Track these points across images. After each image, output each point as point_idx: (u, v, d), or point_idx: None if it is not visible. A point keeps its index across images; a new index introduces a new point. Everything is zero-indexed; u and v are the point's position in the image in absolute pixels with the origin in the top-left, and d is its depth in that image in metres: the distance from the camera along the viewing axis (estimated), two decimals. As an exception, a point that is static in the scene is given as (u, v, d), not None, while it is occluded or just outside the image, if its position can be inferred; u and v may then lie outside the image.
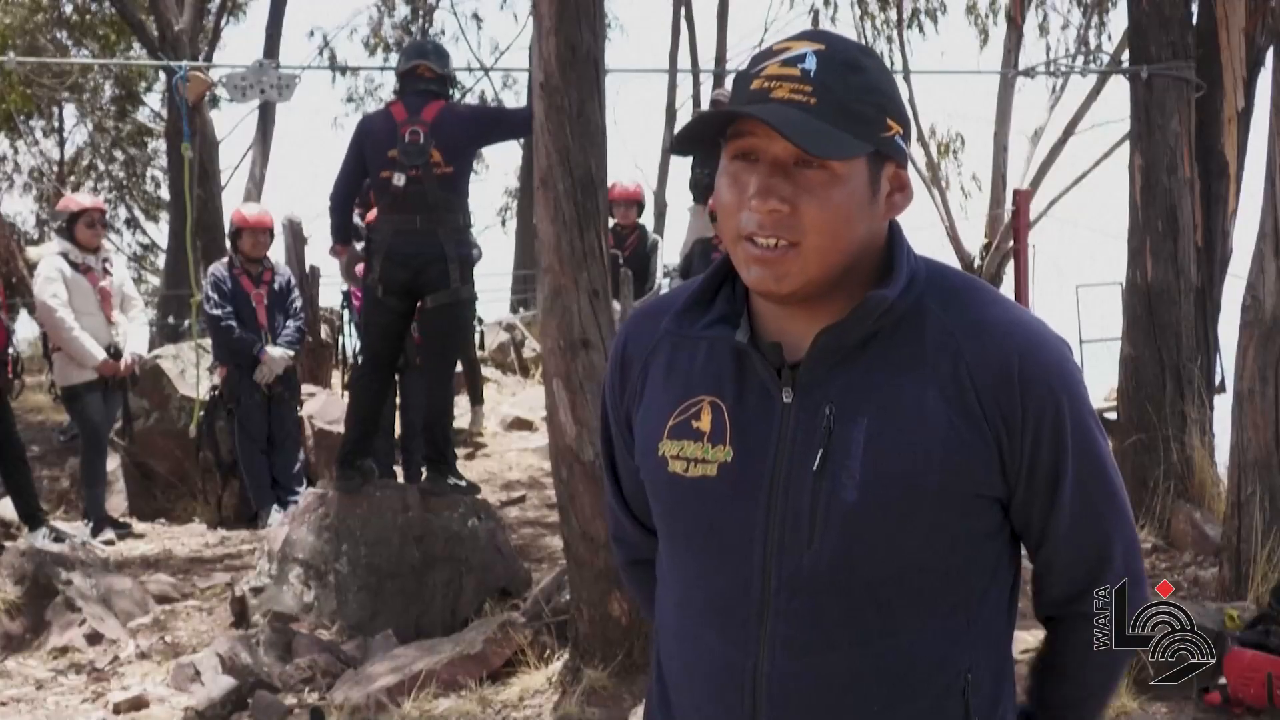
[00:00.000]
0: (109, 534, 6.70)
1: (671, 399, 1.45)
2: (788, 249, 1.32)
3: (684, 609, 1.46)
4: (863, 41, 11.16)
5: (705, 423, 1.42)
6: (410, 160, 5.35)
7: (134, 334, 7.00)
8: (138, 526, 7.11)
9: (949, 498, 1.35)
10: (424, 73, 5.55)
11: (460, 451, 7.42)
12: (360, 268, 6.01)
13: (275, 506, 6.89)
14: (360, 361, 5.79)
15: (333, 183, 5.64)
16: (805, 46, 1.33)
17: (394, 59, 16.97)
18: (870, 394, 1.36)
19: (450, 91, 5.78)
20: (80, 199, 7.27)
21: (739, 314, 1.43)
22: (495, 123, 5.76)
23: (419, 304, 5.57)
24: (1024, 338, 1.36)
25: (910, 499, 1.34)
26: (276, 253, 8.08)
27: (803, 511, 1.36)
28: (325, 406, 8.07)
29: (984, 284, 1.46)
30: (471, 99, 19.68)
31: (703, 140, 1.39)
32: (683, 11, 18.55)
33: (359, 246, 6.13)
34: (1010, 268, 8.64)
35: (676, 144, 1.41)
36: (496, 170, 45.41)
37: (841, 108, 1.31)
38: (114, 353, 6.78)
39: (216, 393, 7.22)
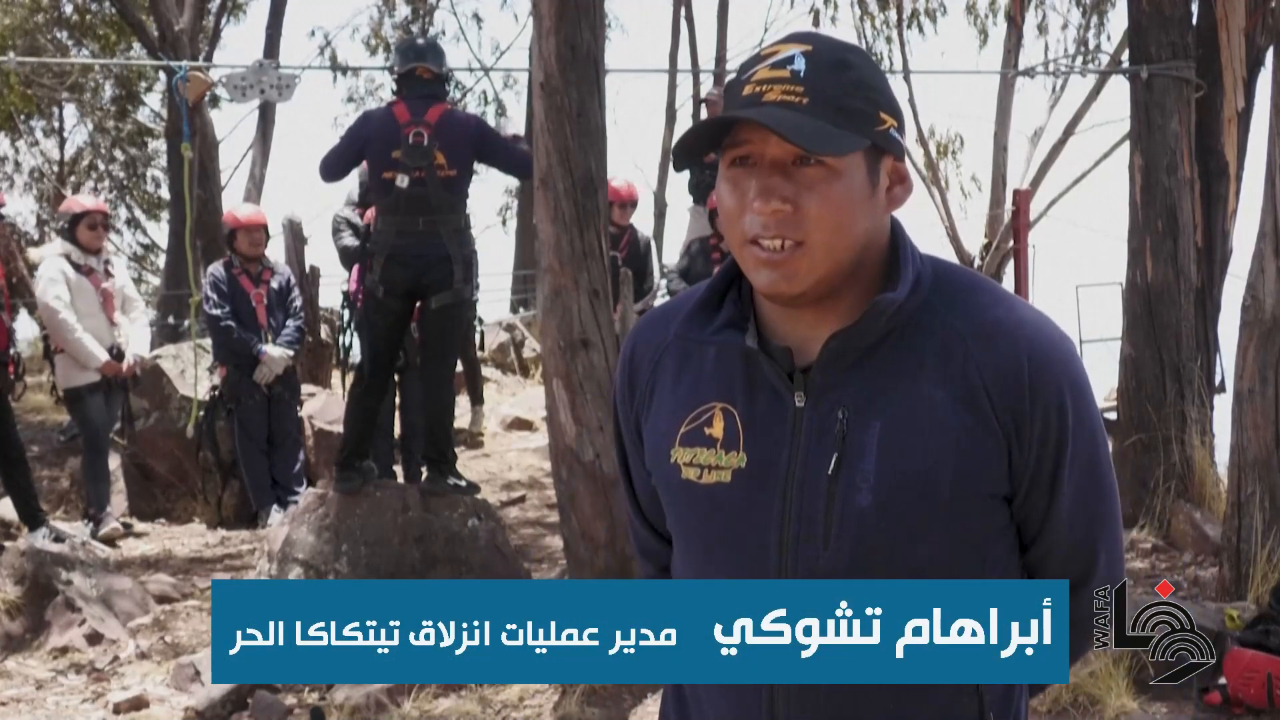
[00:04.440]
0: (114, 523, 6.69)
1: (682, 406, 1.45)
2: (795, 248, 1.33)
3: None
4: (862, 42, 11.15)
5: (717, 429, 1.42)
6: (414, 162, 5.31)
7: (136, 335, 6.99)
8: (138, 526, 7.10)
9: (963, 498, 1.35)
10: (422, 74, 5.51)
11: (460, 451, 7.41)
12: (356, 268, 5.97)
13: (275, 506, 6.89)
14: (359, 363, 5.76)
15: (322, 158, 5.51)
16: (793, 49, 1.35)
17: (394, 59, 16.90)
18: (882, 397, 1.36)
19: (448, 90, 5.75)
20: (83, 200, 7.22)
21: (746, 318, 1.43)
22: (496, 150, 5.61)
23: (418, 305, 5.56)
24: (1032, 338, 1.37)
25: (925, 501, 1.34)
26: (276, 252, 8.08)
27: (817, 515, 1.36)
28: (325, 406, 8.06)
29: (990, 282, 1.46)
30: (472, 99, 19.68)
31: (700, 151, 1.39)
32: (683, 11, 18.49)
33: (355, 246, 6.08)
34: (1010, 268, 8.61)
35: (676, 157, 1.41)
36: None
37: (834, 105, 1.32)
38: (116, 354, 6.78)
39: (216, 393, 7.22)
